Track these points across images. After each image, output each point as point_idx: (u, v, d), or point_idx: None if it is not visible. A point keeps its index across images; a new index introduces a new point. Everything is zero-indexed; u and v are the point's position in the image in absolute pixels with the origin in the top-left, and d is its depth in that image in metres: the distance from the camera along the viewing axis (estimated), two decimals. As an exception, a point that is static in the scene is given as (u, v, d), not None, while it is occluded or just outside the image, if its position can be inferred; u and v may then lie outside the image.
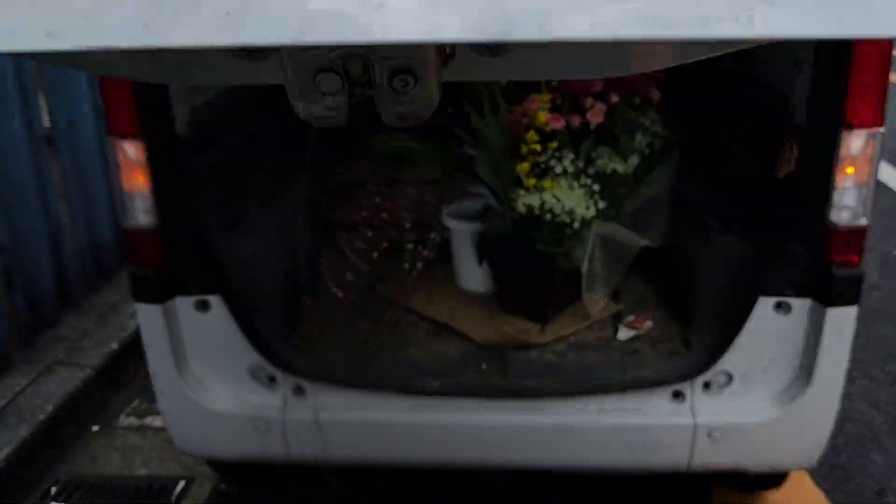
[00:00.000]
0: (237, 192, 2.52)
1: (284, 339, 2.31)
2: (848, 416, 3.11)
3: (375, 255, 2.91)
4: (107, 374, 3.34)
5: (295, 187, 2.83)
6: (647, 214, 2.67)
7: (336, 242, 3.10)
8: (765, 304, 2.07)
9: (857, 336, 3.79)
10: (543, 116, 2.20)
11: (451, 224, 2.64)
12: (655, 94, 2.68)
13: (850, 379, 3.35)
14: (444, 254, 2.83)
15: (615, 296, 2.61)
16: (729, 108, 2.67)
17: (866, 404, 3.20)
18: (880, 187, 5.83)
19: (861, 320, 3.99)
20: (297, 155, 3.03)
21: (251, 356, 2.21)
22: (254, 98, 2.78)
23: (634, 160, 2.52)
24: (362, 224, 3.17)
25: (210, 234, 2.13)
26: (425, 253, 2.82)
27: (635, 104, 2.59)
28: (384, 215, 3.21)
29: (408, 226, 3.10)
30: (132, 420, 3.22)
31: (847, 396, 3.23)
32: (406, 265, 2.74)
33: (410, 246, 2.88)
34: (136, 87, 1.97)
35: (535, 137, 2.21)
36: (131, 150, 2.03)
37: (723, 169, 2.65)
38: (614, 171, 2.44)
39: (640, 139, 2.60)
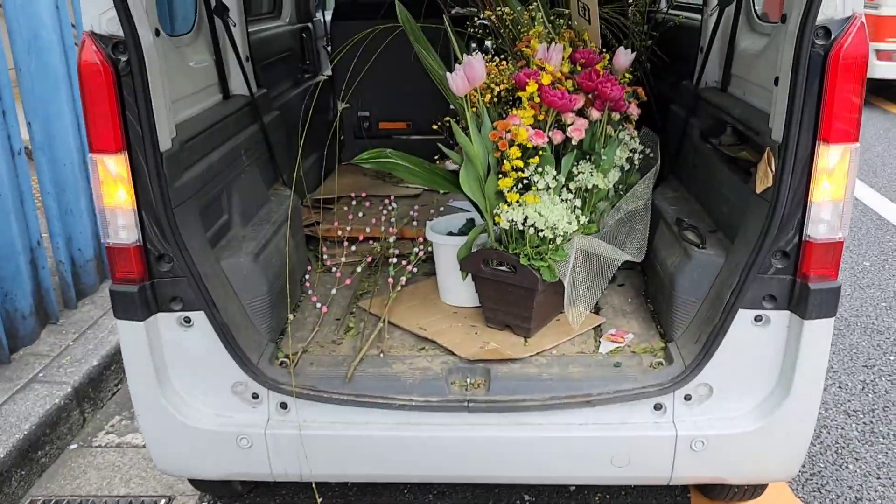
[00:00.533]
0: (220, 207, 2.51)
1: (268, 355, 2.30)
2: (824, 425, 3.17)
3: (359, 269, 2.91)
4: (86, 392, 3.30)
5: (278, 202, 2.82)
6: (628, 228, 2.70)
7: (320, 257, 3.10)
8: (744, 317, 2.10)
9: (830, 345, 3.86)
10: (525, 133, 2.22)
11: (435, 239, 2.65)
12: (635, 111, 2.72)
13: (825, 387, 3.41)
14: (429, 268, 2.84)
15: (597, 308, 2.64)
16: (709, 124, 2.72)
17: (841, 413, 3.25)
18: (852, 199, 5.96)
19: (833, 330, 4.07)
20: (281, 170, 3.03)
21: (234, 373, 2.20)
22: (238, 113, 2.78)
23: (615, 175, 2.55)
24: (346, 239, 3.17)
25: (193, 250, 2.12)
26: (409, 267, 2.83)
27: (615, 120, 2.62)
28: (368, 230, 3.21)
29: (391, 240, 3.11)
30: (112, 437, 3.18)
31: (822, 404, 3.29)
32: (390, 280, 2.74)
33: (394, 260, 2.89)
34: (119, 103, 1.97)
35: (518, 153, 2.23)
36: (114, 167, 2.01)
37: (703, 183, 2.70)
38: (595, 186, 2.47)
39: (620, 154, 2.64)
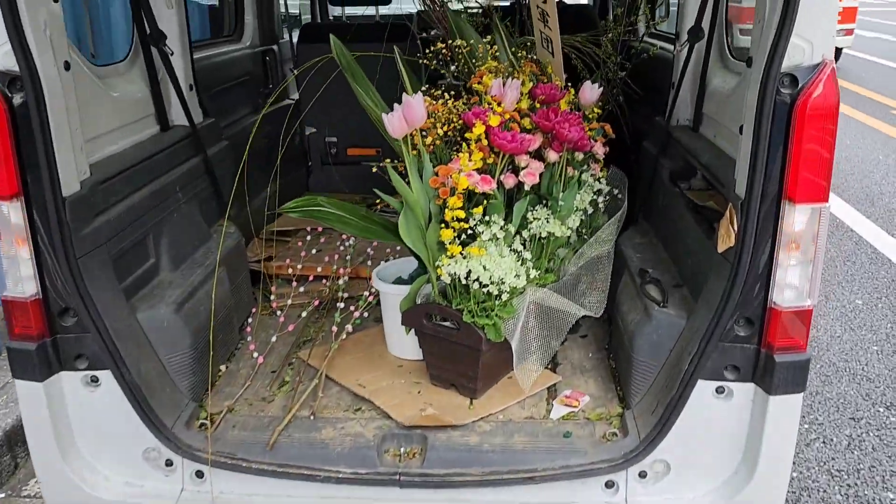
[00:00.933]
0: (146, 250, 2.33)
1: (186, 417, 2.11)
2: (804, 487, 2.96)
3: (304, 314, 2.72)
4: (20, 435, 3.11)
5: (216, 242, 2.63)
6: (590, 278, 2.51)
7: (263, 298, 2.91)
8: (704, 389, 1.91)
9: (816, 394, 3.61)
10: (466, 181, 2.03)
11: (381, 287, 2.46)
12: (601, 150, 2.53)
13: (808, 443, 3.21)
14: (380, 312, 2.64)
15: (554, 364, 2.44)
16: (678, 166, 2.53)
17: (823, 472, 3.04)
18: (842, 229, 5.75)
19: (820, 377, 3.81)
20: (220, 206, 2.84)
21: (146, 438, 2.01)
22: (177, 146, 2.60)
23: (575, 220, 2.36)
24: (296, 277, 2.98)
25: (101, 302, 1.94)
26: (356, 314, 2.63)
27: (577, 162, 2.43)
28: (319, 269, 3.02)
29: (342, 281, 2.92)
30: (42, 486, 2.98)
31: (804, 462, 3.08)
32: (334, 328, 2.55)
33: (342, 305, 2.69)
34: (16, 145, 1.79)
35: (459, 203, 2.04)
36: (10, 213, 1.84)
37: (671, 230, 2.50)
38: (551, 234, 2.28)
39: (583, 197, 2.45)
